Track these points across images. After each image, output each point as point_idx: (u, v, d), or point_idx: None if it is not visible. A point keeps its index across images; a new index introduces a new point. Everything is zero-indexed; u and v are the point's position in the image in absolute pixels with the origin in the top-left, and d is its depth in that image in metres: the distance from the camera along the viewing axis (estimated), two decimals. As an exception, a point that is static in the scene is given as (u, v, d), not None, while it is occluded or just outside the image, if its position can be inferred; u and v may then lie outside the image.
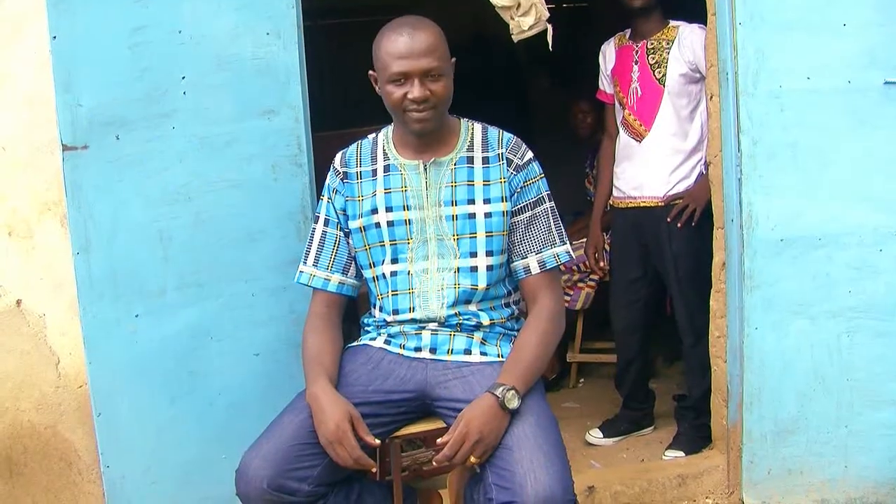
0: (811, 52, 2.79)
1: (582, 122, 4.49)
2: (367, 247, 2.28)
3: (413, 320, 2.25)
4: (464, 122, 2.30)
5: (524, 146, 2.27)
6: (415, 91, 2.10)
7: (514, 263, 2.26)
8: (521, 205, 2.24)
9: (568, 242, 2.28)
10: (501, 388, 2.05)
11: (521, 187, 2.24)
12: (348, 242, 2.32)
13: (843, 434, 2.93)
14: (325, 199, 2.34)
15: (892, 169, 2.83)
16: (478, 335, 2.25)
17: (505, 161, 2.24)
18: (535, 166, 2.27)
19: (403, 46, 2.10)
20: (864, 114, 2.81)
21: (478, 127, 2.29)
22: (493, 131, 2.29)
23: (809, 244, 2.85)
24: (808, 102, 2.81)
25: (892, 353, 2.89)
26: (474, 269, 2.22)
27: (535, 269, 2.24)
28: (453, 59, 2.19)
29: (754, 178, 2.84)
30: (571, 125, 4.57)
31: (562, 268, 2.29)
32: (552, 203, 2.28)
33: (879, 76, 2.79)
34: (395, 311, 2.27)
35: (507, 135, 2.28)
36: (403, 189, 2.25)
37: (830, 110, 2.81)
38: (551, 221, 2.26)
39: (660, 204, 3.40)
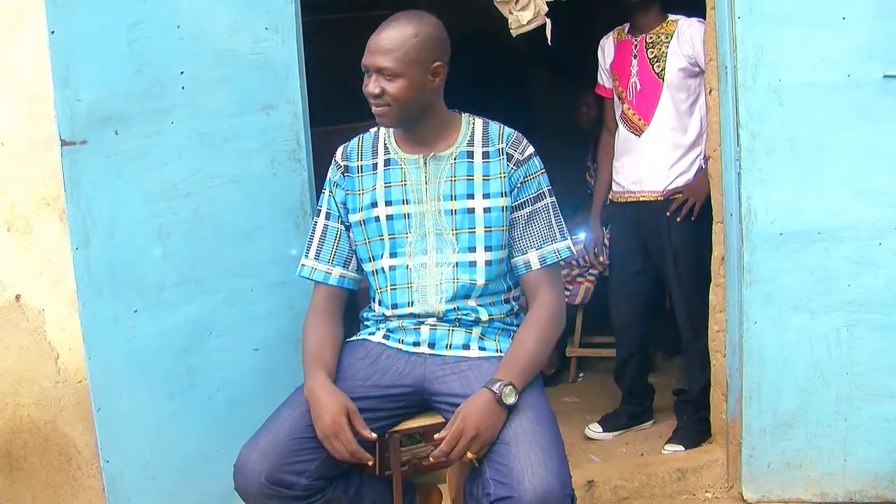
0: (810, 46, 2.79)
1: (586, 115, 4.47)
2: (367, 240, 2.28)
3: (412, 315, 2.25)
4: (465, 116, 2.30)
5: (525, 141, 2.27)
6: (369, 85, 2.13)
7: (515, 259, 2.26)
8: (522, 200, 2.23)
9: (569, 238, 2.28)
10: (499, 384, 2.05)
11: (522, 183, 2.23)
12: (349, 236, 2.32)
13: (842, 428, 2.94)
14: (326, 192, 2.34)
15: (891, 162, 2.83)
16: (476, 330, 2.25)
17: (505, 156, 2.23)
18: (536, 161, 2.27)
19: (372, 40, 2.13)
20: (863, 107, 2.81)
21: (479, 122, 2.29)
22: (494, 126, 2.28)
23: (808, 238, 2.85)
24: (808, 96, 2.81)
25: (891, 347, 2.89)
26: (473, 263, 2.22)
27: (535, 264, 2.23)
28: (436, 63, 2.16)
29: (753, 172, 2.84)
30: (575, 118, 4.55)
31: (561, 263, 2.29)
32: (553, 198, 2.28)
33: (879, 70, 2.79)
34: (394, 306, 2.27)
35: (507, 130, 2.28)
36: (403, 183, 2.25)
37: (830, 104, 2.81)
38: (552, 217, 2.26)
39: (659, 198, 3.40)
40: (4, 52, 2.69)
